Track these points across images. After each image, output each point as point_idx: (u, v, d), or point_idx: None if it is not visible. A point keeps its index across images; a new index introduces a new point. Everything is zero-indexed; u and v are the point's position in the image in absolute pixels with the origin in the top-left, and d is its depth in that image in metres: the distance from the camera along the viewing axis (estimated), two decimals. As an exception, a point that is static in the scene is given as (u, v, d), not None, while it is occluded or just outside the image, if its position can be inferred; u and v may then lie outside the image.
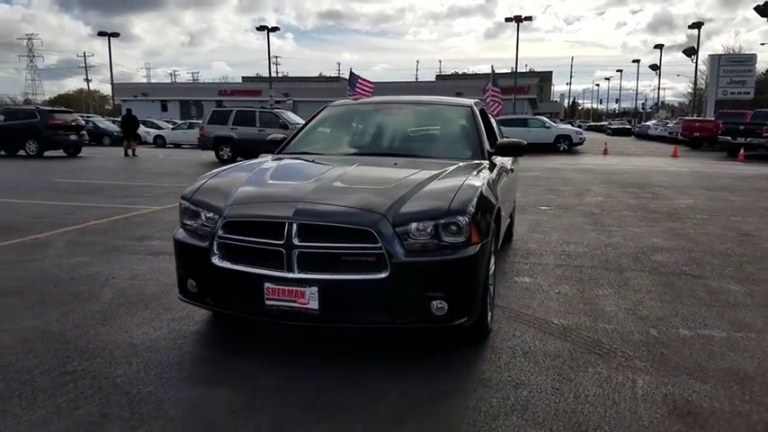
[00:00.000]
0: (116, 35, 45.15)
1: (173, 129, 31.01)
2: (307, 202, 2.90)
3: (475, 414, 2.54)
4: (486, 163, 3.94)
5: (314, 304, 2.77)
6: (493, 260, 3.52)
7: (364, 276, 2.76)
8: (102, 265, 4.85)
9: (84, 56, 75.62)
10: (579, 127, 38.24)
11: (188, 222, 3.18)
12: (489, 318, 3.42)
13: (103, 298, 4.00)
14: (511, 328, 3.58)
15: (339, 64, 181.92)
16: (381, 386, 2.76)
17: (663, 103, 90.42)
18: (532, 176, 13.64)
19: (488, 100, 4.98)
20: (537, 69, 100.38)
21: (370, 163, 3.79)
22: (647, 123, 46.36)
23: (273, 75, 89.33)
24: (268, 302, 2.83)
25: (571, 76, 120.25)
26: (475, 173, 3.52)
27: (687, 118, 35.35)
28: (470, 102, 4.65)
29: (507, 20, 40.68)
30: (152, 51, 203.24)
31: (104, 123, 31.00)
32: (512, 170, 4.86)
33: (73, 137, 19.52)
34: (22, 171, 13.94)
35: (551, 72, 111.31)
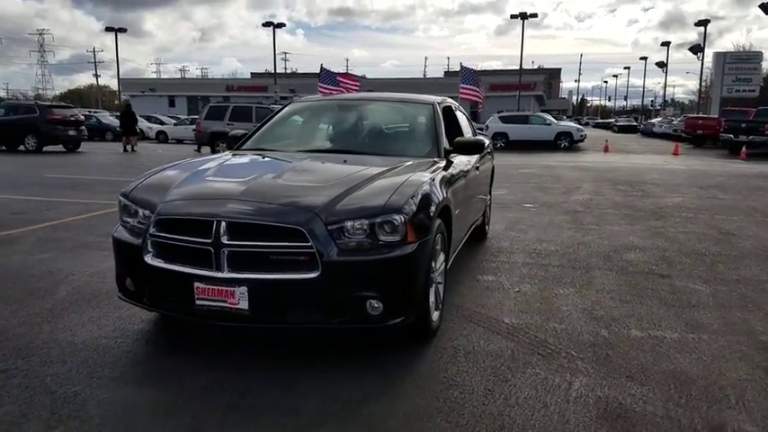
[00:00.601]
0: (123, 30, 45.33)
1: (175, 124, 31.09)
2: (237, 200, 2.87)
3: (399, 416, 2.51)
4: (441, 161, 3.90)
5: (244, 304, 2.75)
6: (442, 258, 3.49)
7: (294, 276, 2.73)
8: (67, 261, 4.86)
9: (94, 51, 75.74)
10: (585, 123, 38.03)
11: (126, 220, 3.16)
12: (436, 317, 3.38)
13: (58, 295, 3.99)
14: (460, 327, 3.54)
15: (347, 60, 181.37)
16: (310, 387, 2.73)
17: (673, 100, 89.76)
18: (526, 174, 13.59)
19: (461, 98, 4.92)
20: (546, 66, 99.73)
21: (319, 160, 3.75)
22: (652, 121, 46.02)
23: (282, 71, 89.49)
24: (198, 302, 2.80)
25: (580, 74, 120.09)
26: (423, 170, 3.48)
27: (690, 115, 35.04)
28: (434, 99, 4.60)
29: (513, 17, 40.53)
30: (163, 47, 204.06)
31: (108, 119, 31.13)
32: (477, 168, 4.81)
33: (72, 132, 19.60)
34: (17, 166, 14.02)
35: (560, 69, 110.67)
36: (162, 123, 32.00)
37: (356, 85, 6.15)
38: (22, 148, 18.85)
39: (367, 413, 2.53)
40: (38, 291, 4.07)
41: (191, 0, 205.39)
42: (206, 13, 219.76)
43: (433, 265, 3.26)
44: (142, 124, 30.40)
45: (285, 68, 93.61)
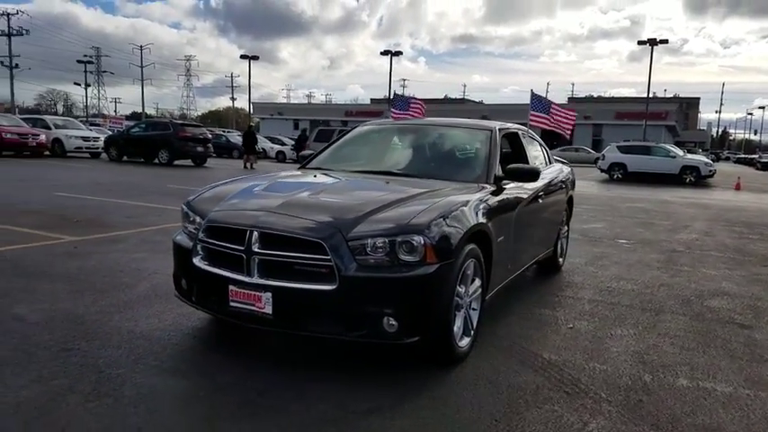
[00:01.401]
0: (255, 58, 48.90)
1: (292, 147, 32.97)
2: (272, 212, 3.10)
3: (393, 430, 2.56)
4: (489, 187, 3.91)
5: (268, 309, 2.95)
6: (477, 284, 3.49)
7: (313, 286, 2.88)
8: (155, 261, 5.38)
9: (231, 76, 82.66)
10: (725, 158, 34.98)
11: (186, 226, 3.51)
12: (465, 343, 3.38)
13: (137, 290, 4.46)
14: (493, 357, 3.50)
15: (465, 86, 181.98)
16: (321, 395, 2.85)
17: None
18: (635, 208, 12.89)
19: (532, 125, 4.85)
20: (683, 95, 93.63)
21: (363, 180, 3.92)
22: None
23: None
24: (232, 304, 3.05)
25: (721, 104, 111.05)
26: (461, 195, 3.52)
27: None
28: (494, 126, 4.60)
29: (641, 43, 38.60)
30: (295, 74, 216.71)
31: (235, 138, 33.62)
32: (540, 197, 4.71)
33: (200, 148, 21.46)
34: (146, 176, 15.59)
35: (698, 99, 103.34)
36: (282, 144, 34.00)
37: (420, 110, 6.28)
38: (156, 161, 20.93)
39: (365, 425, 2.60)
40: (122, 285, 4.58)
41: (323, 29, 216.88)
42: (335, 42, 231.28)
43: (462, 289, 3.28)
44: (265, 145, 32.55)
45: (403, 94, 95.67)
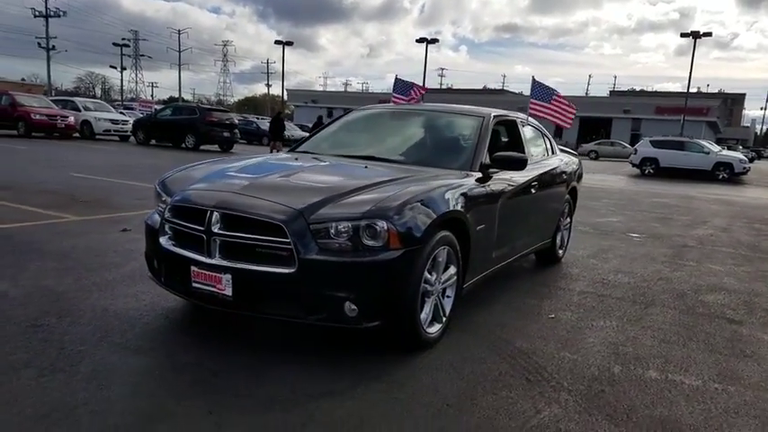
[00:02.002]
0: (290, 44, 49.28)
1: (321, 132, 33.05)
2: (235, 193, 3.11)
3: (339, 413, 2.56)
4: (473, 174, 3.86)
5: (228, 291, 2.96)
6: (451, 272, 3.45)
7: (272, 269, 2.88)
8: (151, 242, 5.47)
9: (267, 63, 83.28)
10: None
11: (159, 205, 3.54)
12: (434, 330, 3.35)
13: (124, 269, 4.54)
14: (465, 343, 3.46)
15: (504, 76, 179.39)
16: (278, 377, 2.85)
17: None
18: (657, 203, 12.60)
19: (531, 113, 4.71)
20: (728, 91, 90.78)
21: (343, 164, 3.91)
22: None
23: (438, 86, 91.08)
24: (194, 285, 3.06)
25: (767, 101, 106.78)
26: (438, 181, 3.48)
27: None
28: (488, 112, 4.52)
29: (683, 35, 37.55)
30: (334, 62, 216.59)
31: (265, 125, 33.87)
32: (533, 187, 4.62)
33: (226, 134, 21.70)
34: (169, 160, 15.82)
35: (743, 95, 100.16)
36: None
37: (420, 94, 6.19)
38: (183, 145, 21.25)
39: (313, 407, 2.60)
40: (110, 264, 4.67)
41: (363, 16, 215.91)
42: (375, 30, 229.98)
43: (432, 276, 3.25)
44: (294, 132, 32.71)
45: (440, 84, 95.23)
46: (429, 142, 4.48)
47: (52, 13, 50.32)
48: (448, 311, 3.51)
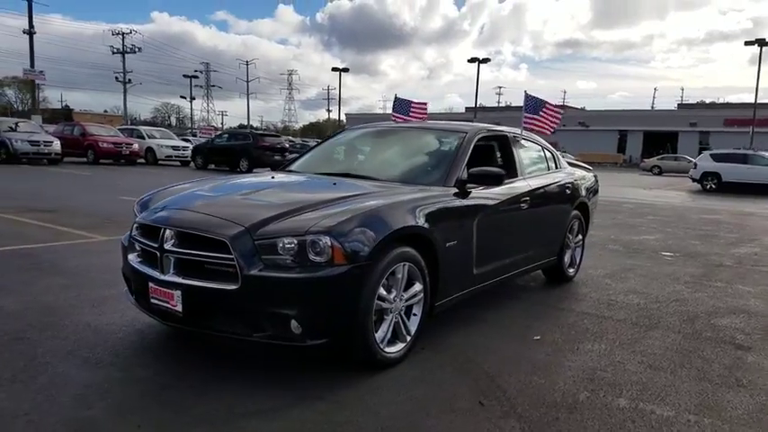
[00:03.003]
0: (346, 71, 50.60)
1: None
2: (190, 211, 3.18)
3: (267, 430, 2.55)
4: (449, 190, 3.80)
5: (179, 307, 3.01)
6: (416, 289, 3.39)
7: (217, 285, 2.91)
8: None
9: (328, 89, 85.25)
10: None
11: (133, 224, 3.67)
12: (396, 349, 3.29)
13: (123, 287, 4.69)
14: (428, 363, 3.37)
15: (564, 92, 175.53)
16: (217, 394, 2.86)
17: None
18: (706, 219, 11.94)
19: (524, 127, 4.55)
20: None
21: (311, 181, 3.93)
22: None
23: (495, 105, 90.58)
24: (152, 301, 3.14)
25: None
26: (401, 197, 3.45)
27: None
28: (471, 129, 4.44)
29: (747, 44, 35.78)
30: (394, 85, 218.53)
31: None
32: (521, 203, 4.48)
33: (277, 157, 22.20)
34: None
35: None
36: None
37: (423, 112, 6.07)
38: (238, 169, 21.98)
39: (242, 425, 2.59)
40: (114, 282, 4.80)
41: (423, 41, 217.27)
42: (435, 52, 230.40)
43: (390, 293, 3.20)
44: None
45: (498, 102, 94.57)
46: (407, 159, 4.45)
47: (128, 50, 53.58)
48: (414, 330, 3.43)
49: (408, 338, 3.39)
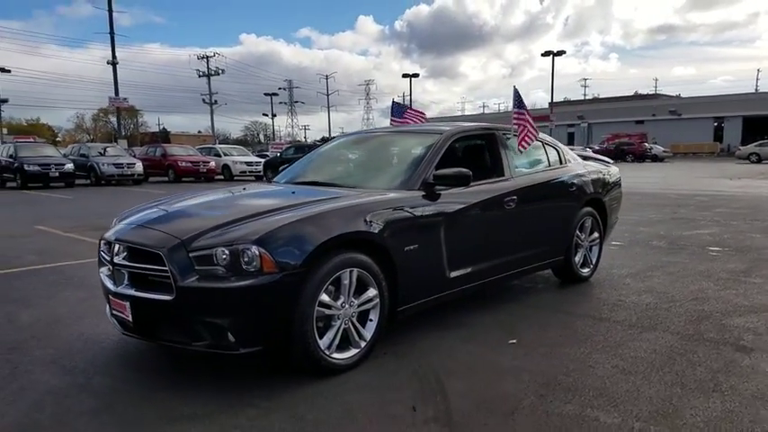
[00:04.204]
0: (416, 75, 50.84)
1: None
2: (141, 225, 3.35)
3: (187, 437, 2.63)
4: (414, 193, 3.76)
5: (130, 317, 3.18)
6: (370, 295, 3.38)
7: (156, 296, 3.05)
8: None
9: (403, 96, 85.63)
10: None
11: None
12: (348, 355, 3.29)
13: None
14: (385, 369, 3.34)
15: (656, 80, 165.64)
16: (164, 397, 2.99)
17: None
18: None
19: (514, 123, 4.28)
20: None
21: (270, 191, 4.05)
22: None
23: (582, 97, 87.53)
24: (113, 311, 3.34)
25: None
26: (352, 201, 3.47)
27: None
28: (445, 131, 4.32)
29: None
30: (474, 86, 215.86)
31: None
32: (510, 201, 4.33)
33: (342, 166, 22.76)
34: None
35: None
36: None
37: (421, 117, 5.89)
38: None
39: (167, 428, 2.69)
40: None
41: (504, 39, 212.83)
42: (517, 49, 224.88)
43: (335, 300, 3.22)
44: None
45: (584, 95, 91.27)
46: (376, 164, 4.44)
47: (212, 73, 56.60)
48: (370, 336, 3.42)
49: (363, 344, 3.39)
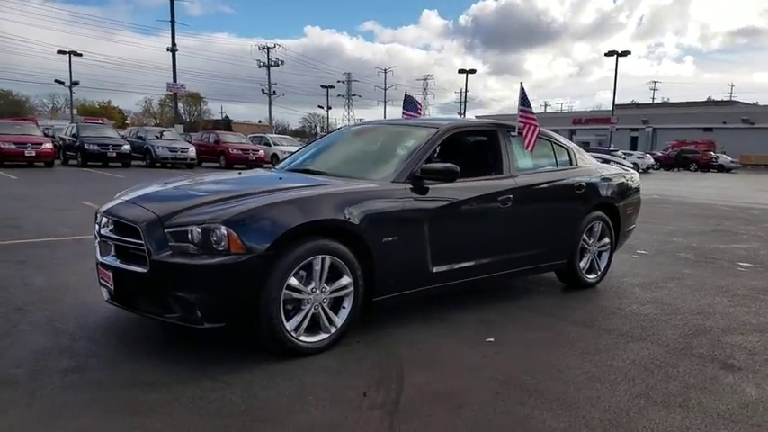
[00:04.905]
0: (473, 72, 50.41)
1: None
2: (128, 201, 3.51)
3: (161, 403, 2.74)
4: (400, 185, 3.77)
5: (113, 287, 3.35)
6: (345, 281, 3.43)
7: (132, 268, 3.20)
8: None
9: (460, 92, 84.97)
10: None
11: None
12: (318, 339, 3.37)
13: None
14: (351, 356, 3.39)
15: (732, 86, 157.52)
16: (132, 369, 3.11)
17: None
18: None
19: (519, 121, 4.17)
20: None
21: (258, 177, 4.18)
22: None
23: (650, 101, 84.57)
24: (100, 280, 3.53)
25: None
26: (328, 190, 3.53)
27: None
28: (443, 124, 4.32)
29: None
30: (539, 84, 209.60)
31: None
32: (504, 198, 4.28)
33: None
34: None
35: None
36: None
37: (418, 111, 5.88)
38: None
39: (124, 393, 2.82)
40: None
41: (573, 37, 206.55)
42: (586, 48, 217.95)
43: (306, 285, 3.29)
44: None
45: (653, 98, 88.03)
46: (370, 155, 4.46)
47: (272, 64, 57.80)
48: (341, 322, 3.47)
49: (333, 330, 3.44)
